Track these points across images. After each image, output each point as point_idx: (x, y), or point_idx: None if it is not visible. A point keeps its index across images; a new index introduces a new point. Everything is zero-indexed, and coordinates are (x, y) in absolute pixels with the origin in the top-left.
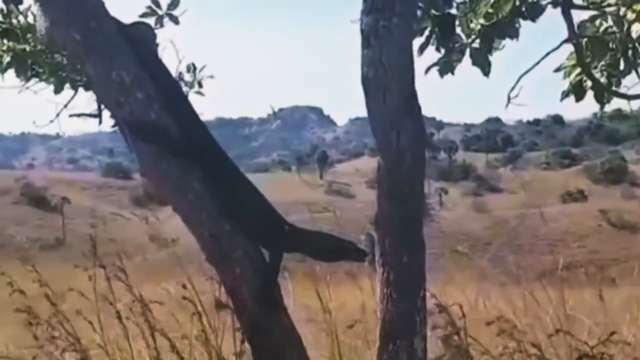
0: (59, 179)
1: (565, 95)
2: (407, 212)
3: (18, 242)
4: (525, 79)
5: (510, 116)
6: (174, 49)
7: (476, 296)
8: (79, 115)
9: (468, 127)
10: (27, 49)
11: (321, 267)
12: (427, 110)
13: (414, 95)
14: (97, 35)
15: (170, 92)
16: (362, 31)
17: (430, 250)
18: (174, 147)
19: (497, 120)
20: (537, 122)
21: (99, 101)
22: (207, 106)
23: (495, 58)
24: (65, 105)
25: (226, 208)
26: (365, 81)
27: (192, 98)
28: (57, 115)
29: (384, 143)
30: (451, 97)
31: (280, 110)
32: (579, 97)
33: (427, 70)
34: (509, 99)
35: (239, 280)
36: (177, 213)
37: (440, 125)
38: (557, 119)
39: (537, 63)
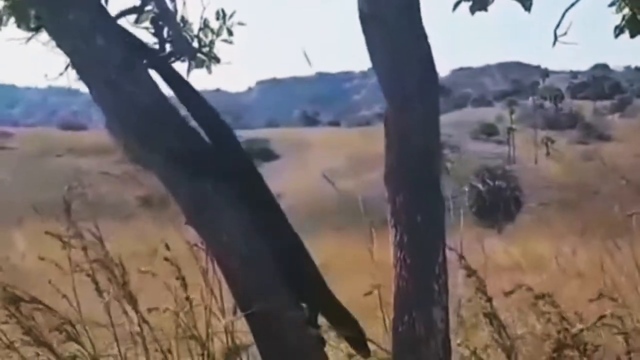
0: None
1: (619, 31)
2: (420, 166)
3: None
4: None
5: (618, 62)
6: None
7: (574, 249)
8: None
9: (574, 74)
10: None
11: None
12: (531, 59)
13: (421, 35)
14: None
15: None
16: None
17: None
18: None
19: (605, 66)
20: None
21: None
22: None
23: None
24: None
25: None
26: (362, 17)
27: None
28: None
29: (390, 89)
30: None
31: None
32: (634, 32)
33: (456, 6)
34: (555, 37)
35: (227, 249)
36: (152, 172)
37: (545, 73)
38: None
39: None
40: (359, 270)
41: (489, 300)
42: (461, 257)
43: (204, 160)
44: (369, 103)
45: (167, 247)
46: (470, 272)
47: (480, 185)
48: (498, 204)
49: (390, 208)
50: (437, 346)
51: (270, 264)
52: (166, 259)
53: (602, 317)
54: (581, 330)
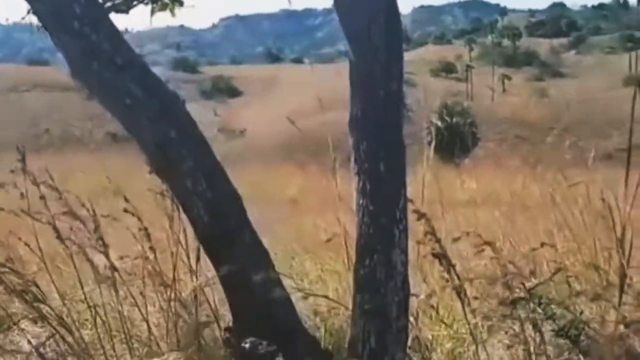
0: None
1: None
2: (383, 114)
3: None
4: None
5: (575, 1)
6: None
7: (526, 183)
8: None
9: (532, 12)
10: None
11: None
12: None
13: None
14: None
15: None
16: None
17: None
18: None
19: (562, 5)
20: (602, 6)
21: None
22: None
23: None
24: None
25: None
26: None
27: None
28: None
29: (355, 38)
30: None
31: None
32: None
33: None
34: None
35: (192, 195)
36: (116, 119)
37: (503, 11)
38: (623, 3)
39: None
40: (324, 206)
41: (438, 241)
42: (409, 200)
43: (167, 106)
44: (332, 40)
45: (126, 199)
46: (420, 216)
47: (438, 122)
48: (455, 140)
49: (354, 156)
50: (397, 287)
51: (233, 208)
52: (126, 211)
53: (557, 271)
54: (536, 285)
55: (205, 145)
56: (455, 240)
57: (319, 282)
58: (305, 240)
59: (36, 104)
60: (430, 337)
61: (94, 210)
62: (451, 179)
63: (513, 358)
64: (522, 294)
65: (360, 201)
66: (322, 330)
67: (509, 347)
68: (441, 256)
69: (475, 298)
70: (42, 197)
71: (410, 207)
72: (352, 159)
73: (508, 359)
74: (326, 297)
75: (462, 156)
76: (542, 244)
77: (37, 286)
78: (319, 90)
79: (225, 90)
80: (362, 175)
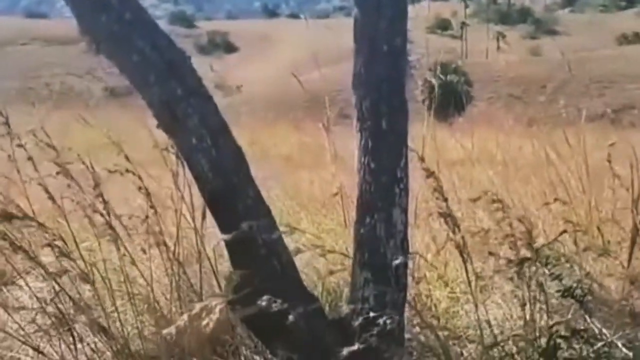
0: None
1: None
2: (386, 70)
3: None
4: None
5: None
6: None
7: (520, 143)
8: None
9: None
10: None
11: None
12: None
13: None
14: None
15: None
16: None
17: (487, 94)
18: None
19: None
20: None
21: None
22: None
23: None
24: None
25: None
26: None
27: None
28: None
29: None
30: None
31: None
32: None
33: None
34: None
35: (197, 152)
36: (123, 74)
37: None
38: None
39: None
40: (318, 162)
41: (445, 200)
42: (422, 159)
43: (174, 63)
44: None
45: (127, 159)
46: (429, 174)
47: (433, 80)
48: (450, 98)
49: (357, 113)
50: (396, 246)
51: (239, 165)
52: (127, 171)
53: (563, 232)
54: (543, 245)
55: (211, 102)
56: (475, 200)
57: (316, 239)
58: (301, 197)
59: (34, 58)
60: (427, 296)
61: (92, 166)
62: (445, 138)
63: (513, 316)
64: (528, 254)
65: (362, 159)
66: (320, 288)
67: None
68: (447, 215)
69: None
70: (30, 159)
71: (418, 165)
72: (355, 117)
73: (502, 318)
74: (338, 252)
75: (456, 114)
76: (554, 200)
77: (63, 240)
78: (313, 46)
79: (221, 45)
80: (364, 132)
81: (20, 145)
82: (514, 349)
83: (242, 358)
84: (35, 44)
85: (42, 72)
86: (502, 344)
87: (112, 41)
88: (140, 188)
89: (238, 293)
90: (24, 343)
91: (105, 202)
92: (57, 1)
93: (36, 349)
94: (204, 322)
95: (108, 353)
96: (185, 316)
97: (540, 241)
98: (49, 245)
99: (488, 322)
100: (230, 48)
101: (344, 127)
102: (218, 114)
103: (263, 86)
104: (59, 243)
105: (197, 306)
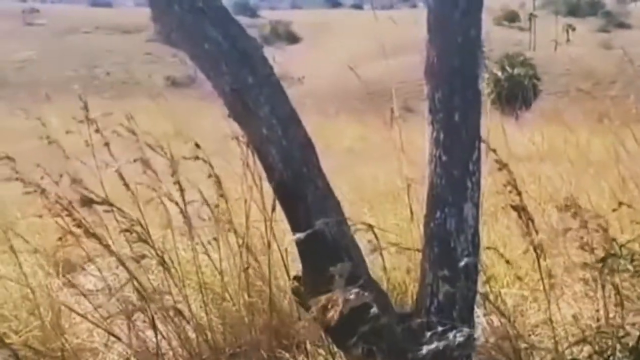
0: None
1: None
2: (460, 62)
3: (150, 80)
4: None
5: None
6: None
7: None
8: None
9: None
10: None
11: None
12: None
13: None
14: None
15: None
16: None
17: (555, 88)
18: None
19: None
20: None
21: None
22: None
23: None
24: None
25: None
26: None
27: None
28: None
29: None
30: None
31: None
32: None
33: None
34: None
35: (267, 142)
36: (194, 63)
37: None
38: None
39: None
40: (381, 156)
41: (519, 194)
42: (493, 150)
43: (246, 52)
44: None
45: (198, 145)
46: (502, 166)
47: (499, 73)
48: (516, 92)
49: (429, 105)
50: (467, 241)
51: (309, 156)
52: (198, 158)
53: None
54: (625, 244)
55: (282, 92)
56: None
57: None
58: (365, 191)
59: (96, 46)
60: (498, 293)
61: (171, 154)
62: (511, 132)
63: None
64: (603, 253)
65: (433, 151)
66: (385, 282)
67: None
68: (520, 209)
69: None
70: (107, 144)
71: (492, 157)
72: (427, 108)
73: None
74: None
75: (523, 108)
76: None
77: (142, 226)
78: (376, 37)
79: (284, 35)
80: (436, 124)
81: (97, 131)
82: (596, 348)
83: (306, 351)
84: (98, 32)
85: (103, 61)
86: (582, 343)
87: (184, 30)
88: (210, 176)
89: (307, 287)
90: (96, 326)
91: (182, 189)
92: None
93: (113, 334)
94: (330, 314)
95: (175, 341)
96: (314, 308)
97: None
98: (127, 230)
99: (554, 321)
100: (293, 38)
101: (408, 120)
102: (289, 104)
103: (325, 77)
104: (137, 229)
105: (323, 298)
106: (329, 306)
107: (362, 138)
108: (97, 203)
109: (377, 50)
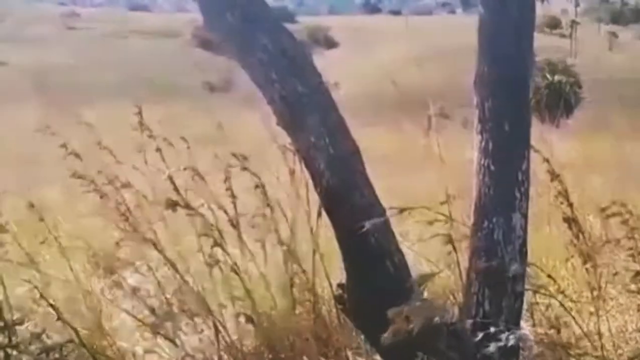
0: None
1: None
2: (511, 71)
3: (187, 85)
4: None
5: None
6: None
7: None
8: None
9: None
10: None
11: None
12: None
13: None
14: None
15: None
16: None
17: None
18: None
19: None
20: None
21: None
22: None
23: None
24: None
25: None
26: None
27: None
28: None
29: None
30: None
31: None
32: None
33: None
34: None
35: (315, 149)
36: (245, 71)
37: None
38: None
39: None
40: (419, 165)
41: (570, 205)
42: (546, 160)
43: (296, 60)
44: None
45: (245, 157)
46: (554, 176)
47: (539, 80)
48: (557, 99)
49: (478, 114)
50: (515, 251)
51: (356, 164)
52: (245, 169)
53: None
54: None
55: (330, 100)
56: (603, 210)
57: (420, 243)
58: (404, 199)
59: (133, 50)
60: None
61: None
62: (553, 140)
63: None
64: None
65: (482, 161)
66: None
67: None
68: (571, 220)
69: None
70: (159, 150)
71: (545, 167)
72: (476, 117)
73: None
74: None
75: (564, 116)
76: None
77: (219, 231)
78: (414, 43)
79: (322, 41)
80: (485, 134)
81: (150, 136)
82: None
83: (347, 358)
84: (135, 36)
85: (142, 65)
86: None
87: (236, 39)
88: (257, 186)
89: (351, 295)
90: (142, 323)
91: (234, 196)
92: None
93: (168, 337)
94: (410, 326)
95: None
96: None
97: None
98: (204, 234)
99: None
100: (330, 43)
101: (444, 127)
102: (337, 112)
103: (362, 83)
104: (214, 234)
105: (405, 309)
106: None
107: (398, 144)
108: (181, 206)
109: (414, 55)
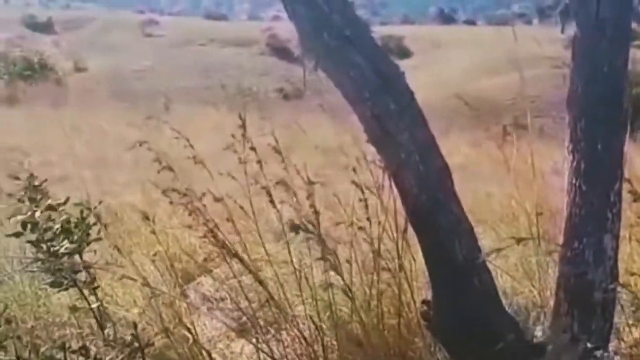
0: None
1: None
2: (605, 91)
3: (258, 93)
4: None
5: None
6: None
7: None
8: None
9: None
10: None
11: None
12: None
13: None
14: None
15: None
16: None
17: None
18: None
19: None
20: None
21: None
22: None
23: None
24: None
25: None
26: None
27: None
28: None
29: (582, 11)
30: None
31: None
32: None
33: None
34: None
35: (404, 167)
36: (339, 89)
37: None
38: None
39: None
40: (495, 176)
41: None
42: (629, 181)
43: (389, 79)
44: (508, 1)
45: (354, 171)
46: (637, 197)
47: None
48: (635, 112)
49: (570, 134)
50: (605, 273)
51: (445, 181)
52: (354, 182)
53: None
54: None
55: (421, 118)
56: None
57: (497, 257)
58: (479, 211)
59: (210, 59)
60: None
61: (308, 178)
62: (632, 156)
63: None
64: None
65: (573, 180)
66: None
67: None
68: None
69: None
70: (259, 162)
71: (626, 187)
72: (568, 137)
73: None
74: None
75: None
76: None
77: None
78: (488, 53)
79: (395, 50)
80: (576, 153)
81: (252, 149)
82: None
83: None
84: (213, 44)
85: (218, 73)
86: None
87: (331, 57)
88: (360, 200)
89: (436, 312)
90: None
91: (317, 212)
92: (236, 3)
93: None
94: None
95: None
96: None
97: None
98: (322, 259)
99: None
100: (404, 53)
101: (519, 137)
102: (427, 129)
103: (436, 93)
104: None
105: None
106: None
107: (474, 155)
108: (304, 230)
109: (489, 66)
